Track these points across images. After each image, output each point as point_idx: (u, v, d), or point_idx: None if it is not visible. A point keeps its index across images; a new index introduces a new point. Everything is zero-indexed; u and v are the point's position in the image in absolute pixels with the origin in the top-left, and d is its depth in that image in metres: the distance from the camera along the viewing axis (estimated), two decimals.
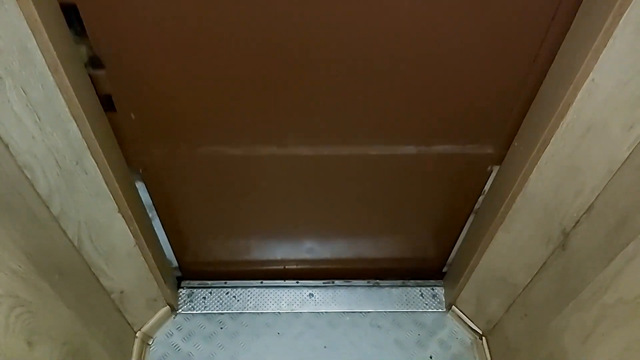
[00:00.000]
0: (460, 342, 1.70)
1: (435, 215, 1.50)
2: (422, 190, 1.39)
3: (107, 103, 1.07)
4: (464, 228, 1.54)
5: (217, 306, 1.75)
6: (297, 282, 1.81)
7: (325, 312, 1.75)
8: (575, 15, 0.91)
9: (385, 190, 1.38)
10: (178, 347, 1.65)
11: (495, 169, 1.29)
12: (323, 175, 1.32)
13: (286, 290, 1.80)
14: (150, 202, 1.38)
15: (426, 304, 1.78)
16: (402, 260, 1.73)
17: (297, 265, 1.76)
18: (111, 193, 1.13)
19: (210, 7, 0.90)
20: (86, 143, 1.00)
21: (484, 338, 1.66)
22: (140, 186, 1.32)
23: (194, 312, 1.73)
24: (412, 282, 1.82)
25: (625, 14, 0.79)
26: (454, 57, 1.00)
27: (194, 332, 1.69)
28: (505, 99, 1.10)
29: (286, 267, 1.77)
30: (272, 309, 1.75)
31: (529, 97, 1.08)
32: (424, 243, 1.65)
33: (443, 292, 1.81)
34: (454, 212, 1.48)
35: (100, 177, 1.08)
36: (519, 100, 1.09)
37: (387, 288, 1.81)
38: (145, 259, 1.37)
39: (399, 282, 1.82)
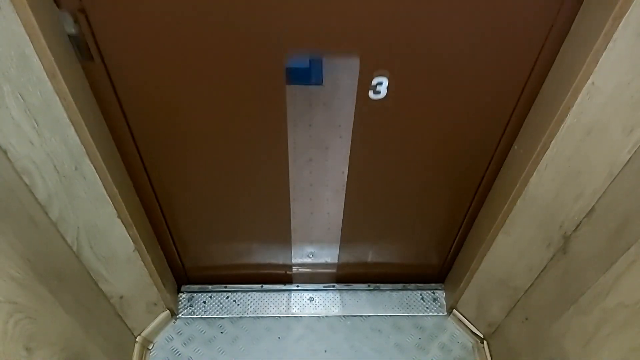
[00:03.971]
0: (461, 345, 1.69)
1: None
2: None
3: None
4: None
5: (217, 310, 1.74)
6: (298, 286, 1.80)
7: (326, 316, 1.75)
8: (575, 18, 0.90)
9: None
10: (178, 351, 1.64)
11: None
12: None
13: (286, 294, 1.79)
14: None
15: (427, 308, 1.77)
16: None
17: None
18: (110, 198, 1.13)
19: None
20: (85, 148, 1.00)
21: (485, 342, 1.65)
22: None
23: (194, 316, 1.73)
24: (412, 285, 1.82)
25: (625, 17, 0.79)
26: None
27: (194, 336, 1.68)
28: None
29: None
30: (273, 313, 1.74)
31: (529, 99, 1.07)
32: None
33: (444, 295, 1.80)
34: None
35: (99, 182, 1.08)
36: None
37: (387, 292, 1.80)
38: (144, 263, 1.37)
39: (400, 285, 1.82)
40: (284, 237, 1.58)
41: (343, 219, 1.48)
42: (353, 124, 1.14)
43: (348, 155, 1.23)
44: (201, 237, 1.55)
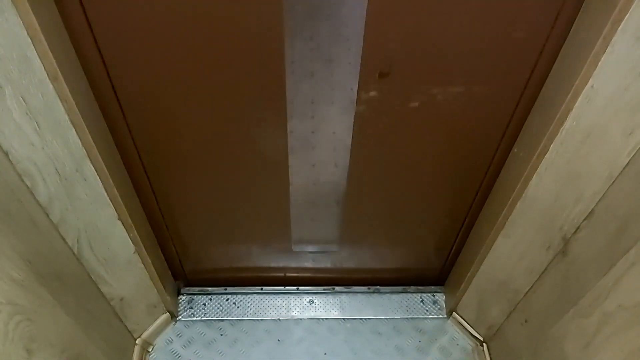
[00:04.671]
0: (461, 348, 1.69)
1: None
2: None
3: None
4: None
5: (217, 313, 1.74)
6: (297, 289, 1.81)
7: (326, 318, 1.75)
8: (574, 21, 0.91)
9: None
10: (178, 354, 1.64)
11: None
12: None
13: (286, 296, 1.79)
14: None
15: (427, 310, 1.77)
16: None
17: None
18: (111, 200, 1.13)
19: None
20: (86, 150, 1.00)
21: (484, 344, 1.65)
22: None
23: (194, 318, 1.73)
24: (412, 288, 1.82)
25: (623, 21, 0.80)
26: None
27: (194, 338, 1.68)
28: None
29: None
30: (272, 316, 1.74)
31: (528, 102, 1.08)
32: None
33: (444, 298, 1.80)
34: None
35: (100, 184, 1.08)
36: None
37: (387, 294, 1.80)
38: (145, 265, 1.37)
39: (400, 288, 1.82)
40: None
41: (353, 138, 1.24)
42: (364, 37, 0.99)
43: (358, 69, 1.06)
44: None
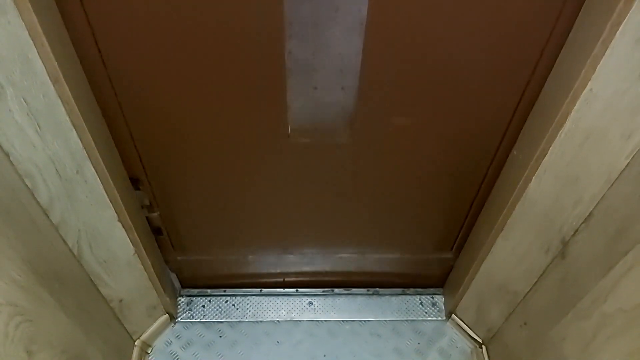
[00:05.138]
0: (460, 350, 1.69)
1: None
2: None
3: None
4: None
5: (216, 314, 1.74)
6: (297, 291, 1.81)
7: (325, 320, 1.75)
8: (573, 25, 0.91)
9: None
10: (177, 355, 1.64)
11: None
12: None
13: (285, 298, 1.79)
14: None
15: (426, 313, 1.77)
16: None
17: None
18: (111, 202, 1.13)
19: None
20: (86, 152, 1.00)
21: (483, 347, 1.66)
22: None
23: (193, 320, 1.73)
24: (411, 290, 1.82)
25: (622, 24, 0.80)
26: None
27: (193, 340, 1.68)
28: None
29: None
30: (272, 318, 1.74)
31: (528, 105, 1.08)
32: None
33: (443, 300, 1.81)
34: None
35: (100, 185, 1.08)
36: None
37: (386, 296, 1.81)
38: (144, 267, 1.37)
39: (399, 290, 1.82)
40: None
41: (362, 61, 1.05)
42: None
43: None
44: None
